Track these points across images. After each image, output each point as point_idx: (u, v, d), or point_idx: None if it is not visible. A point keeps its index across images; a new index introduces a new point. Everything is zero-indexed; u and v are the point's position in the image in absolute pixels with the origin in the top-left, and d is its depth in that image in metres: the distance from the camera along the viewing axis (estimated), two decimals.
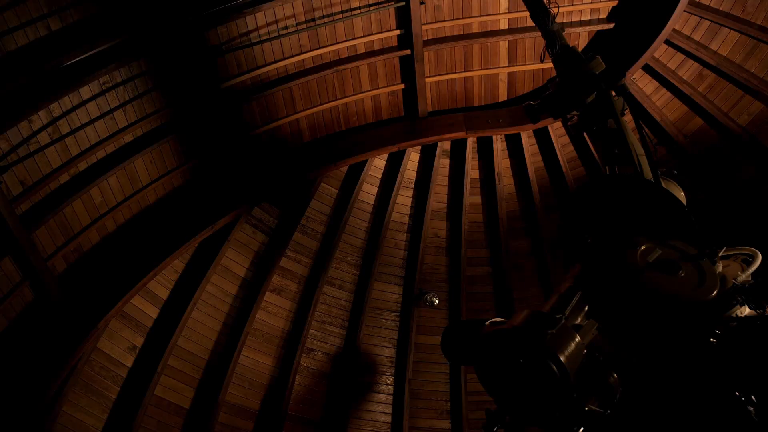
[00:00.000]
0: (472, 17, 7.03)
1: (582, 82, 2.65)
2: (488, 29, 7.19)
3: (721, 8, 6.50)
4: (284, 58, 6.68)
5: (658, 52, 6.98)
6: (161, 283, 6.70)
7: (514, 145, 7.84)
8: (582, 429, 1.47)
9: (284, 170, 7.23)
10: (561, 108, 2.75)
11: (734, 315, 1.88)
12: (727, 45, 6.61)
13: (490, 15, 7.04)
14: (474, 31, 7.20)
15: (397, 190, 7.83)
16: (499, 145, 7.76)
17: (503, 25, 7.16)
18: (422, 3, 6.73)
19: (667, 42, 6.89)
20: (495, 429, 1.53)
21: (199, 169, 6.87)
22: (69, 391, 5.93)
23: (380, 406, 7.55)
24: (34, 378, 5.58)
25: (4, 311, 5.59)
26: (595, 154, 7.56)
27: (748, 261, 2.16)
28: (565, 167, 7.66)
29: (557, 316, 1.60)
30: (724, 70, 6.65)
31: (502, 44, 7.28)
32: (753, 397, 1.47)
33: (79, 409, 6.03)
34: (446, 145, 7.92)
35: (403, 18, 6.87)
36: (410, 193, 8.00)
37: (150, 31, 5.65)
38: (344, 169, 7.74)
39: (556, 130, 7.66)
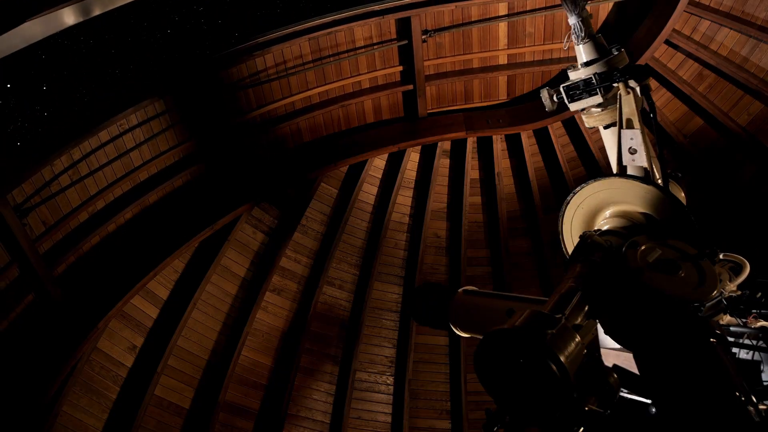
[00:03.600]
0: (472, 53, 7.30)
1: (605, 76, 2.56)
2: (488, 64, 7.43)
3: (721, 8, 6.50)
4: (291, 95, 6.95)
5: (658, 52, 6.99)
6: (161, 283, 6.70)
7: (514, 145, 7.84)
8: (582, 429, 1.47)
9: (284, 170, 7.24)
10: (578, 100, 2.65)
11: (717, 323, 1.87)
12: (727, 45, 6.62)
13: (489, 51, 7.30)
14: (474, 66, 7.46)
15: (397, 190, 7.83)
16: (499, 145, 7.77)
17: (502, 60, 7.40)
18: (424, 41, 6.96)
19: (667, 42, 6.89)
20: (495, 429, 1.53)
21: (199, 171, 6.88)
22: (69, 391, 5.93)
23: (380, 406, 7.55)
24: (34, 378, 5.58)
25: (4, 311, 5.60)
26: (596, 153, 7.57)
27: (736, 270, 2.11)
28: (565, 167, 7.67)
29: (557, 316, 1.60)
30: (724, 70, 6.66)
31: (502, 79, 7.55)
32: (753, 397, 1.47)
33: (79, 409, 6.03)
34: (446, 145, 7.92)
35: (406, 55, 7.14)
36: (410, 193, 8.01)
37: (164, 75, 6.00)
38: (344, 169, 7.74)
39: (556, 130, 7.67)
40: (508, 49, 7.27)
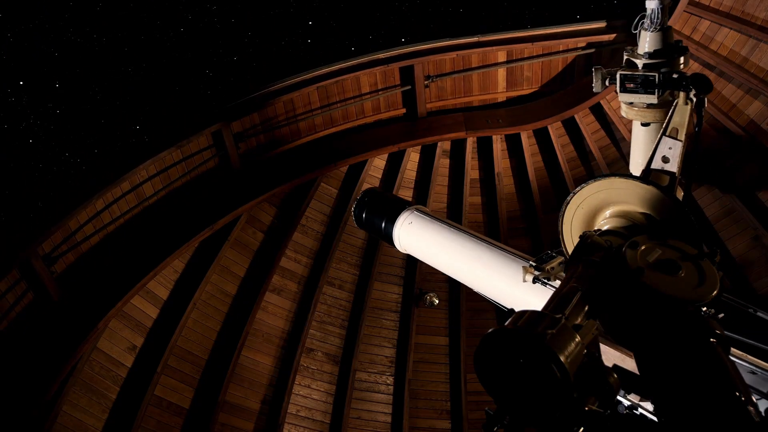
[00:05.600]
0: (472, 95, 7.62)
1: (669, 79, 2.41)
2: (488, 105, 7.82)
3: (721, 8, 6.50)
4: (300, 138, 7.31)
5: None
6: (161, 283, 6.70)
7: (514, 145, 7.84)
8: (582, 429, 1.47)
9: (284, 170, 7.24)
10: (631, 93, 2.46)
11: None
12: (727, 45, 6.62)
13: (489, 93, 7.63)
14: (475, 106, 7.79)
15: (397, 190, 7.83)
16: (499, 145, 7.77)
17: (501, 101, 7.79)
18: (427, 86, 7.32)
19: None
20: (495, 429, 1.53)
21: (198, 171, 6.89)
22: (69, 391, 5.93)
23: (380, 406, 7.55)
24: (34, 378, 5.58)
25: (4, 311, 5.60)
26: (596, 153, 7.56)
27: None
28: (564, 167, 7.66)
29: (557, 316, 1.60)
30: (724, 70, 6.65)
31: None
32: (753, 398, 1.47)
33: (79, 409, 6.03)
34: (446, 145, 7.92)
35: (409, 98, 7.49)
36: (410, 193, 8.00)
37: (181, 126, 6.45)
38: (344, 169, 7.74)
39: (556, 130, 7.67)
40: (507, 91, 7.61)
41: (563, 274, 2.33)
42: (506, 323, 1.59)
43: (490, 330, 1.54)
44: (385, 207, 3.08)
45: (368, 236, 7.86)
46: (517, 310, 2.48)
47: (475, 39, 7.11)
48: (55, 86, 17.28)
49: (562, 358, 1.43)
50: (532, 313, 1.62)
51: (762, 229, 6.53)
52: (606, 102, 7.40)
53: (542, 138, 7.79)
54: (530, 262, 2.32)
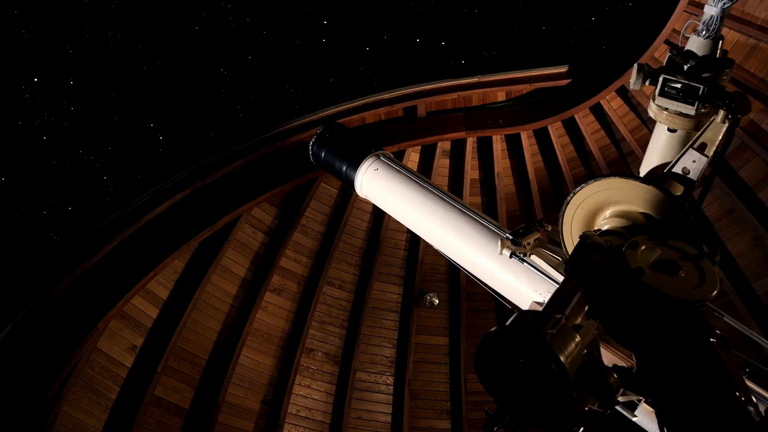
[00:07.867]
0: (472, 103, 7.75)
1: (712, 93, 2.38)
2: None
3: None
4: (301, 138, 7.38)
5: (658, 52, 6.99)
6: (161, 283, 6.70)
7: (514, 145, 7.84)
8: (582, 429, 1.47)
9: (284, 170, 7.24)
10: (668, 98, 2.42)
11: None
12: (727, 45, 6.60)
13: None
14: None
15: None
16: (499, 145, 7.77)
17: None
18: None
19: (667, 42, 6.89)
20: (495, 429, 1.53)
21: (198, 170, 6.89)
22: (69, 391, 5.93)
23: (380, 406, 7.56)
24: (34, 378, 5.58)
25: (5, 313, 5.60)
26: (596, 153, 7.57)
27: None
28: (564, 167, 7.67)
29: (557, 316, 1.60)
30: None
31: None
32: (753, 398, 1.47)
33: (79, 409, 6.03)
34: (446, 145, 7.92)
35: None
36: None
37: (193, 173, 6.70)
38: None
39: (556, 130, 7.67)
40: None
41: (540, 250, 2.32)
42: (506, 323, 1.59)
43: (490, 330, 1.54)
44: (348, 148, 2.85)
45: (368, 236, 7.86)
46: (488, 283, 2.46)
47: (475, 80, 7.36)
48: (70, 83, 17.33)
49: (562, 358, 1.43)
50: (533, 314, 1.62)
51: (762, 229, 6.54)
52: (606, 102, 7.40)
53: (542, 138, 7.79)
54: (507, 235, 2.30)
